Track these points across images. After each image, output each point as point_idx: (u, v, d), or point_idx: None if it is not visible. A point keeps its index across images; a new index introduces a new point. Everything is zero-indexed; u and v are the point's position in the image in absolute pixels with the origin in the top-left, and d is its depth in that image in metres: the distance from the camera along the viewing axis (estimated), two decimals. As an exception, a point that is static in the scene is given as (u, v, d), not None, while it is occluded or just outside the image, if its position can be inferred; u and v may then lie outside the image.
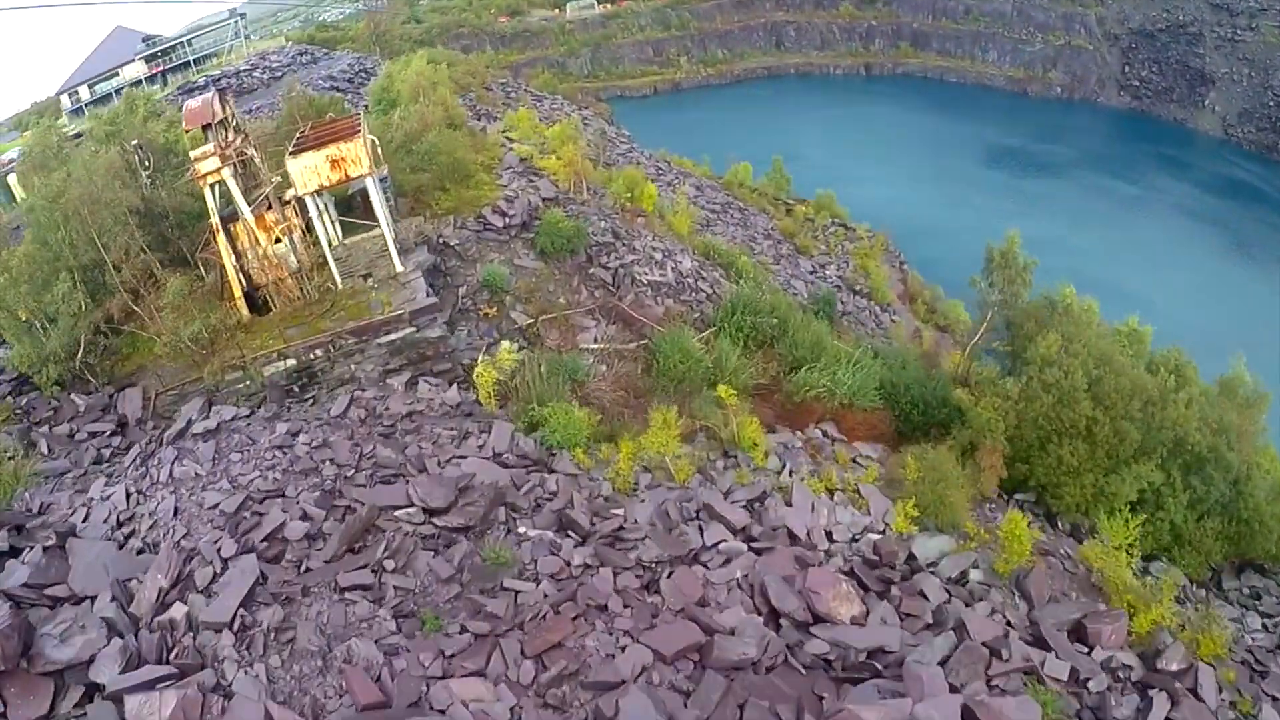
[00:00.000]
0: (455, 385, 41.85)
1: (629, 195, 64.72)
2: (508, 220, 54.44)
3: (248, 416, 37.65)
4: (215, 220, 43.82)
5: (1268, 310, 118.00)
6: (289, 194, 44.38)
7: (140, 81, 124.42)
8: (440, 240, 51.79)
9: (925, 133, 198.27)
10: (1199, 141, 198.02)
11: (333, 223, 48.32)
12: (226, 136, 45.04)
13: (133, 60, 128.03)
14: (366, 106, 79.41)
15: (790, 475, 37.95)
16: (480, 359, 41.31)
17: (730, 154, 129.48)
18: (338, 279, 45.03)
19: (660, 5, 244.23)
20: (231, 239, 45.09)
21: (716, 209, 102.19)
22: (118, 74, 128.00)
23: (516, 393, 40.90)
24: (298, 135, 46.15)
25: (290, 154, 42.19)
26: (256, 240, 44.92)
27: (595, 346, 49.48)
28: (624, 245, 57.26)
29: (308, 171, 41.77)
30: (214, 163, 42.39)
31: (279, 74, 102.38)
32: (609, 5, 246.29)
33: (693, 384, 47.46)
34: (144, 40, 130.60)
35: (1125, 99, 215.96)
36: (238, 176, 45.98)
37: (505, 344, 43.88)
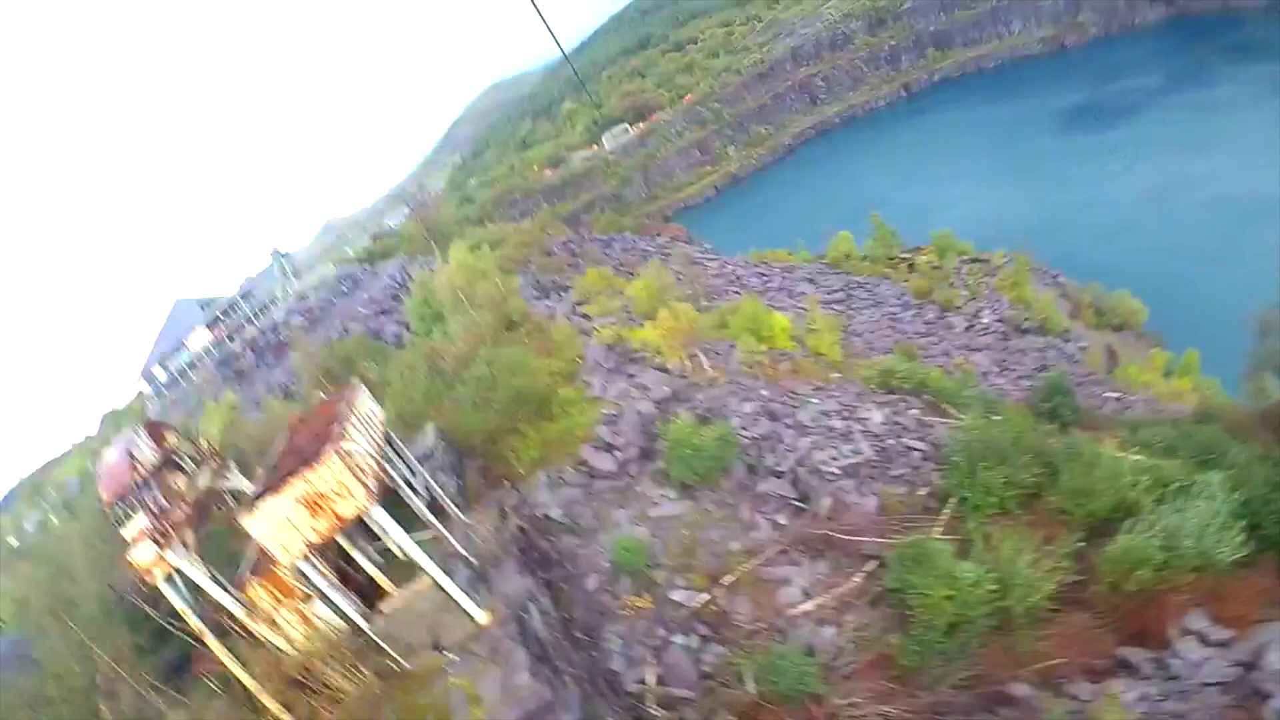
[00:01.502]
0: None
1: (760, 343, 45.58)
2: (619, 455, 35.44)
3: None
4: (195, 621, 25.80)
5: None
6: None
7: (208, 349, 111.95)
8: (537, 516, 33.09)
9: (990, 127, 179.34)
10: (1250, 18, 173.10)
11: (381, 543, 29.36)
12: (173, 486, 27.17)
13: (194, 330, 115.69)
14: (412, 329, 62.11)
15: None
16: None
17: (823, 226, 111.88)
18: (398, 658, 26.29)
19: (688, 105, 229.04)
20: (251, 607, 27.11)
21: (841, 296, 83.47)
22: (185, 347, 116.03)
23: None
24: (270, 466, 27.77)
25: (246, 511, 23.94)
26: (272, 616, 26.84)
27: (809, 606, 30.04)
28: (788, 426, 37.74)
29: (281, 532, 23.29)
30: (149, 552, 24.66)
31: (318, 315, 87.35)
32: (641, 125, 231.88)
33: (973, 629, 27.95)
34: (201, 307, 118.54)
35: (1161, 9, 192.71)
36: (209, 531, 28.85)
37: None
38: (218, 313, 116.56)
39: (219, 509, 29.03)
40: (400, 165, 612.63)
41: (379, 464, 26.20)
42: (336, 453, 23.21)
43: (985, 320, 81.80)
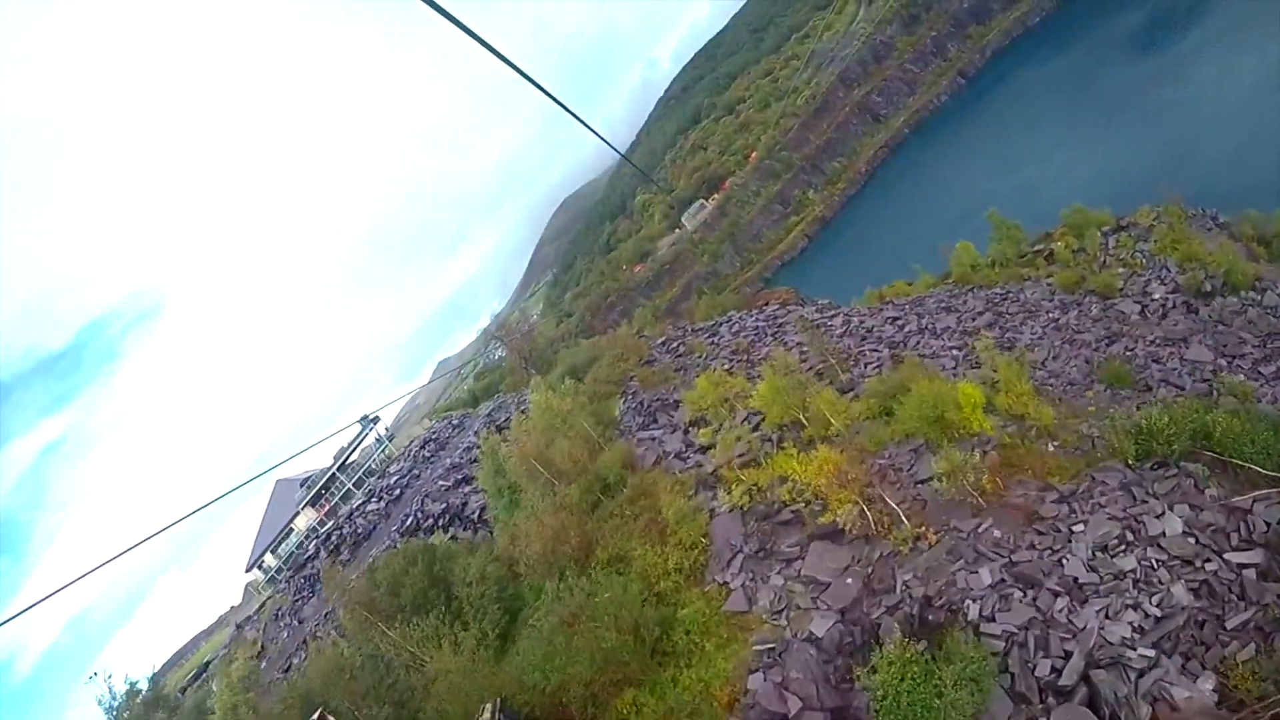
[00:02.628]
0: None
1: (956, 442, 29.82)
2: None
3: None
4: None
5: None
6: None
7: (314, 529, 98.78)
8: None
9: (1064, 80, 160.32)
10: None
11: None
12: None
13: (299, 512, 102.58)
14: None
15: None
16: None
17: (933, 242, 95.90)
18: None
19: (756, 163, 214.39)
20: None
21: (989, 318, 67.06)
22: (292, 529, 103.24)
23: None
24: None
25: None
26: None
27: None
28: (1054, 590, 22.08)
29: None
30: None
31: (396, 491, 74.21)
32: (715, 196, 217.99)
33: None
34: (302, 485, 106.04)
35: None
36: None
37: None
38: (317, 490, 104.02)
39: None
40: (500, 294, 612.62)
41: None
42: None
43: (1157, 296, 65.28)
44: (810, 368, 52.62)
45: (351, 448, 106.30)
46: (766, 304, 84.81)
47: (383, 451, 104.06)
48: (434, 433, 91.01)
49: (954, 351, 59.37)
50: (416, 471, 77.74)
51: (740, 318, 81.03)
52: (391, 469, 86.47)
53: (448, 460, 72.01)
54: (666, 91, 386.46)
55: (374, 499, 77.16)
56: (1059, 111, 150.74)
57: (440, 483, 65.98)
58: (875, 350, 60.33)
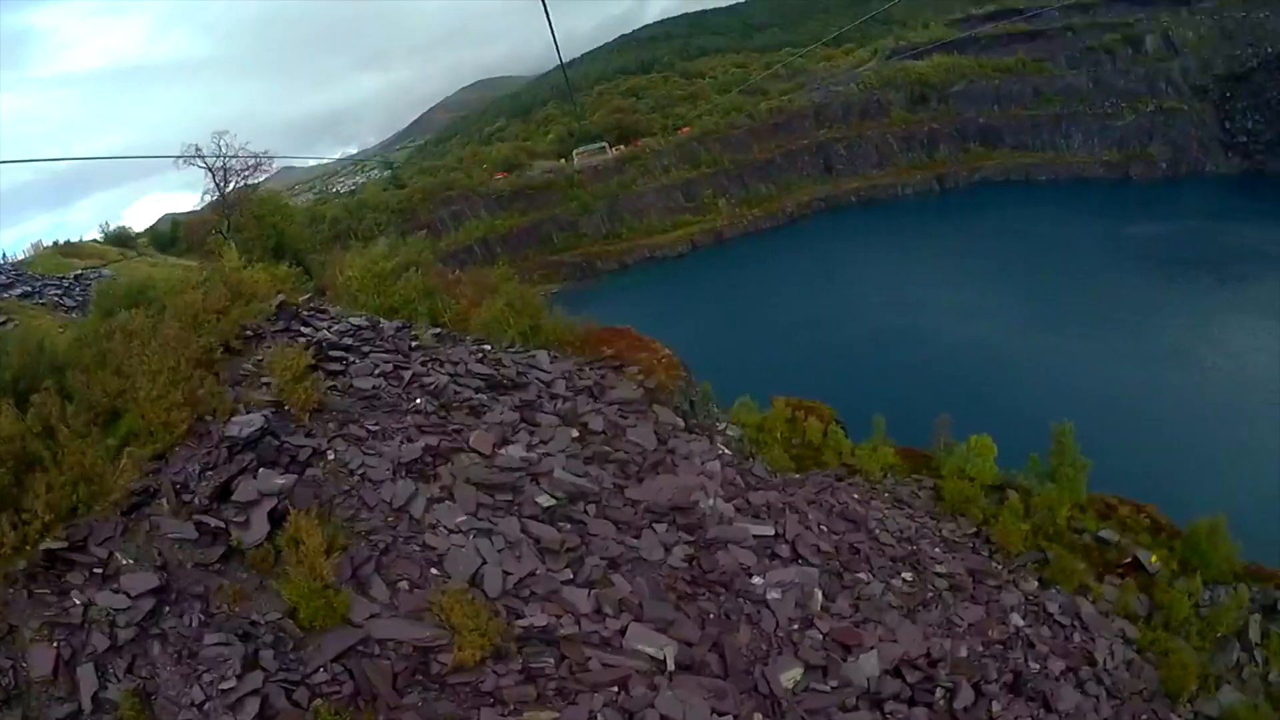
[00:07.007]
0: None
1: None
2: None
3: None
4: None
5: None
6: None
7: None
8: None
9: (1049, 248, 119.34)
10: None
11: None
12: None
13: None
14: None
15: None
16: None
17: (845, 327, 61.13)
18: None
19: (684, 139, 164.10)
20: None
21: None
22: None
23: None
24: None
25: None
26: None
27: None
28: None
29: None
30: None
31: None
32: (623, 147, 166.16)
33: None
34: None
35: (1236, 161, 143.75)
36: None
37: None
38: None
39: None
40: (379, 134, 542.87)
41: None
42: None
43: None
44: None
45: None
46: (616, 359, 33.35)
47: None
48: None
49: None
50: None
51: (555, 382, 29.07)
52: None
53: None
54: (634, 32, 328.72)
55: None
56: (1034, 275, 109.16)
57: None
58: None
